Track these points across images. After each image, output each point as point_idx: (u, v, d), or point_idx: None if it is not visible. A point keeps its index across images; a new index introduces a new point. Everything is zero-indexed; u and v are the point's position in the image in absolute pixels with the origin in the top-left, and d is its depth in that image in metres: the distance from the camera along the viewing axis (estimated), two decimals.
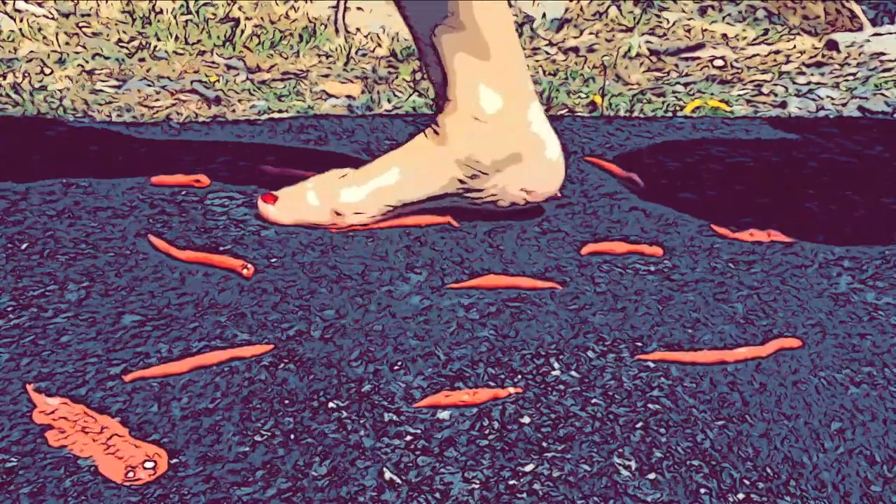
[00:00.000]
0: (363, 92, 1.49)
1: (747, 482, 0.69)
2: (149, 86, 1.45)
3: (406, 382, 0.77)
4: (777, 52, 1.75)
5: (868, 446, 0.73)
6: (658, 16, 1.88)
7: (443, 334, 0.84)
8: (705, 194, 1.11)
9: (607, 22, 1.85)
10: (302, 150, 1.18)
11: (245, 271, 0.90)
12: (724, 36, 1.82)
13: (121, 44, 1.59)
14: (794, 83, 1.62)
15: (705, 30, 1.85)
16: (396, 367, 0.79)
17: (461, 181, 1.00)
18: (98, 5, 1.70)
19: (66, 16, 1.67)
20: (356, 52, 1.66)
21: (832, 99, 1.55)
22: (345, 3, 1.76)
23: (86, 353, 0.78)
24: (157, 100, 1.40)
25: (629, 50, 1.72)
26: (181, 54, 1.57)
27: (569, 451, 0.71)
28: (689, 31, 1.84)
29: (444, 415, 0.74)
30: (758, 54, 1.74)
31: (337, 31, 1.73)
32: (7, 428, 0.69)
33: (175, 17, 1.67)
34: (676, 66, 1.69)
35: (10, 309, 0.83)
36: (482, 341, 0.83)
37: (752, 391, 0.79)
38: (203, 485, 0.66)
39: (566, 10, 1.87)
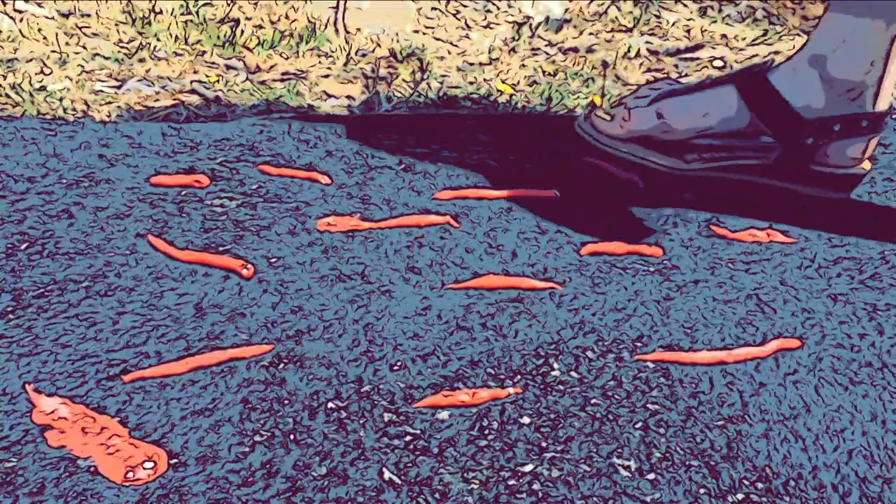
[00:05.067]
0: (363, 92, 1.49)
1: (747, 482, 0.69)
2: (149, 86, 1.45)
3: (406, 382, 0.77)
4: (776, 53, 1.75)
5: (867, 446, 0.73)
6: (658, 16, 1.88)
7: (443, 334, 0.84)
8: (705, 194, 1.11)
9: (607, 22, 1.85)
10: (302, 150, 1.18)
11: (245, 271, 0.91)
12: (724, 36, 1.82)
13: (121, 44, 1.59)
14: None
15: (705, 30, 1.85)
16: (396, 367, 0.79)
17: None
18: (98, 5, 1.70)
19: (66, 16, 1.67)
20: (356, 52, 1.66)
21: None
22: (345, 4, 1.76)
23: (86, 353, 0.78)
24: (157, 100, 1.40)
25: (629, 50, 1.72)
26: (181, 54, 1.57)
27: (568, 451, 0.71)
28: (688, 31, 1.84)
29: (443, 415, 0.74)
30: (757, 55, 1.74)
31: (337, 31, 1.73)
32: (7, 428, 0.69)
33: (175, 18, 1.67)
34: (676, 66, 1.69)
35: (10, 309, 0.83)
36: (482, 341, 0.83)
37: (752, 391, 0.79)
38: (203, 485, 0.66)
39: (566, 10, 1.88)
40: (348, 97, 1.46)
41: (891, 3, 1.01)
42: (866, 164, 1.12)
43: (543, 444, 0.71)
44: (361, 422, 0.72)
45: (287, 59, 1.60)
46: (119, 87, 1.42)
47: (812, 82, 1.06)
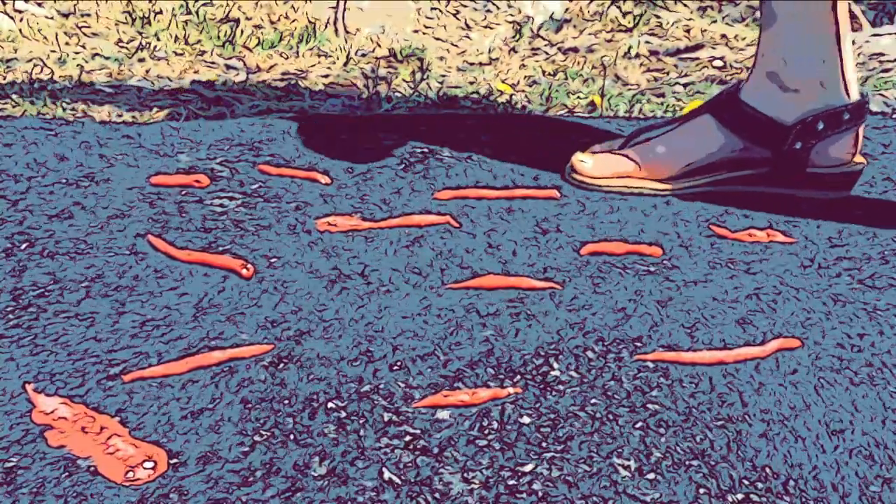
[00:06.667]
0: (363, 92, 1.49)
1: (746, 482, 0.69)
2: (149, 86, 1.44)
3: (406, 382, 0.77)
4: None
5: (867, 446, 0.73)
6: (657, 16, 1.88)
7: (443, 334, 0.84)
8: (705, 194, 1.11)
9: (607, 22, 1.85)
10: (302, 150, 1.18)
11: (245, 271, 0.91)
12: (724, 36, 1.82)
13: (120, 44, 1.59)
14: None
15: (704, 30, 1.85)
16: (396, 367, 0.79)
17: None
18: (98, 5, 1.70)
19: (66, 16, 1.67)
20: (356, 52, 1.66)
21: None
22: (345, 4, 1.76)
23: (86, 353, 0.78)
24: (157, 100, 1.40)
25: (629, 50, 1.72)
26: (181, 54, 1.57)
27: (568, 451, 0.71)
28: (688, 31, 1.84)
29: (443, 415, 0.74)
30: None
31: (337, 31, 1.73)
32: (7, 428, 0.69)
33: (175, 18, 1.67)
34: (676, 66, 1.69)
35: (9, 309, 0.83)
36: (482, 341, 0.83)
37: (752, 391, 0.79)
38: (203, 485, 0.66)
39: (566, 10, 1.88)
40: (348, 97, 1.46)
41: (809, 3, 1.02)
42: (859, 159, 1.12)
43: (543, 444, 0.71)
44: (361, 422, 0.72)
45: (287, 59, 1.60)
46: (119, 87, 1.42)
47: (777, 95, 1.07)
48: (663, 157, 1.10)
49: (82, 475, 0.65)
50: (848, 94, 1.07)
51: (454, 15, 1.85)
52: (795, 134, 1.07)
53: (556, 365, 0.80)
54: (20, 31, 1.58)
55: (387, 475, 0.67)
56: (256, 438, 0.70)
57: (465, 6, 1.89)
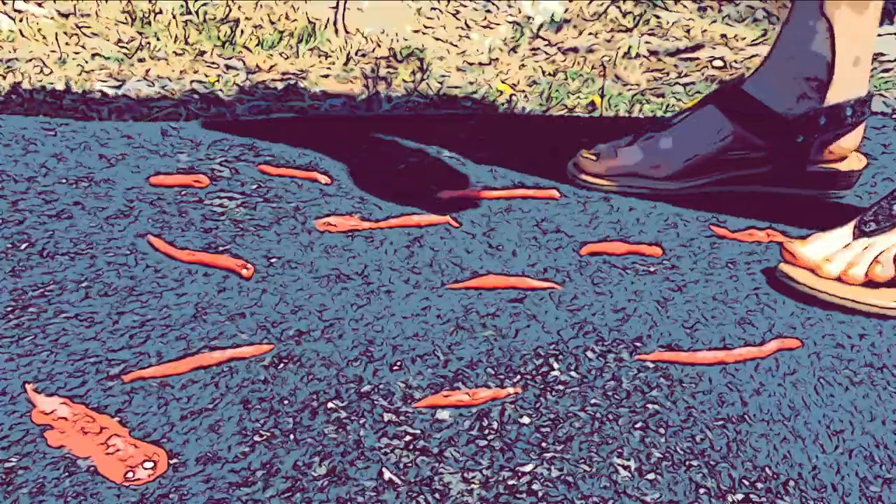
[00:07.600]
0: (363, 92, 1.49)
1: (746, 482, 0.69)
2: (149, 86, 1.45)
3: (406, 382, 0.77)
4: None
5: (867, 446, 0.73)
6: (657, 16, 1.88)
7: (442, 334, 0.84)
8: (705, 194, 1.11)
9: (607, 22, 1.85)
10: (302, 150, 1.18)
11: (244, 271, 0.91)
12: (724, 36, 1.82)
13: (120, 44, 1.59)
14: None
15: (704, 30, 1.85)
16: (396, 367, 0.79)
17: None
18: (98, 5, 1.70)
19: (66, 16, 1.67)
20: (356, 52, 1.66)
21: None
22: (345, 4, 1.76)
23: (86, 353, 0.78)
24: (156, 100, 1.40)
25: (629, 50, 1.72)
26: (181, 54, 1.57)
27: (568, 451, 0.71)
28: (688, 31, 1.84)
29: (443, 415, 0.74)
30: (757, 55, 1.74)
31: (337, 31, 1.73)
32: (7, 428, 0.69)
33: (175, 17, 1.67)
34: (676, 66, 1.69)
35: (10, 309, 0.83)
36: (482, 341, 0.83)
37: (752, 391, 0.79)
38: (203, 485, 0.66)
39: (566, 10, 1.87)
40: (348, 97, 1.46)
41: (824, 4, 1.03)
42: (861, 159, 1.12)
43: (543, 444, 0.71)
44: (361, 422, 0.72)
45: (287, 59, 1.60)
46: (119, 87, 1.42)
47: (785, 86, 1.07)
48: (668, 151, 1.10)
49: (82, 475, 0.65)
50: (853, 92, 1.07)
51: (454, 15, 1.85)
52: (798, 127, 1.07)
53: (556, 365, 0.80)
54: (20, 31, 1.58)
55: (387, 475, 0.67)
56: (256, 438, 0.70)
57: (465, 6, 1.89)
